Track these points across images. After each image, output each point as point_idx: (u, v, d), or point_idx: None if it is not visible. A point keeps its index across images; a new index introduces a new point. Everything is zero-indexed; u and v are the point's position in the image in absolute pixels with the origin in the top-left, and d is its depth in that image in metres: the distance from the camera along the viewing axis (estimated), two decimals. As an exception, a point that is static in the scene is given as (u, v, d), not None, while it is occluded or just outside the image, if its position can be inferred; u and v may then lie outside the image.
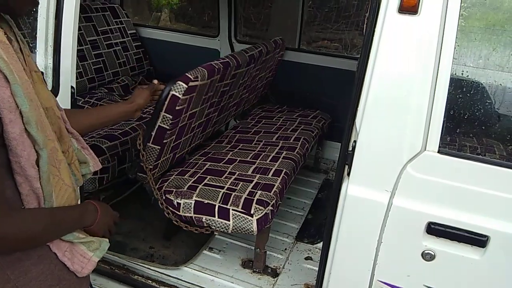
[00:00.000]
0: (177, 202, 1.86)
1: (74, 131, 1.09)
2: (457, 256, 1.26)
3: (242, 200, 1.84)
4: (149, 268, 2.00)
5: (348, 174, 1.35)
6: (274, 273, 2.03)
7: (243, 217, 1.78)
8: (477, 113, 1.21)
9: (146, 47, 3.53)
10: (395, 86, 1.23)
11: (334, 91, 3.07)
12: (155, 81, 1.70)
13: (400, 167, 1.27)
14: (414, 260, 1.31)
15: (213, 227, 1.83)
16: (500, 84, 1.17)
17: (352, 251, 1.40)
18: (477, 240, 1.22)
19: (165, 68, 3.59)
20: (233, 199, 1.84)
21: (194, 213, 1.83)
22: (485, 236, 1.21)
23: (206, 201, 1.84)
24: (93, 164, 1.12)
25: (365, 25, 1.50)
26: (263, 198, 1.86)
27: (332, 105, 3.07)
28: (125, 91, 3.20)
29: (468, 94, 1.20)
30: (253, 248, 2.13)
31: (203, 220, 1.82)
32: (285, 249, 2.23)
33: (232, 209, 1.80)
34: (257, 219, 1.77)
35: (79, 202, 1.07)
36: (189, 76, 1.81)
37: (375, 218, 1.32)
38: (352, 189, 1.34)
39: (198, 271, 2.00)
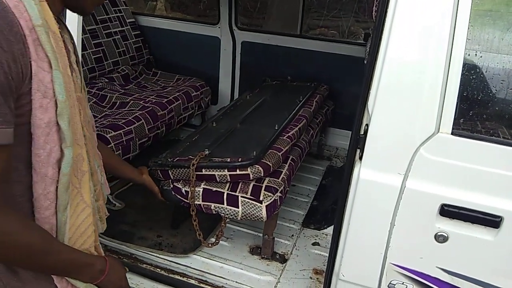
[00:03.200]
0: (185, 190, 1.85)
1: (99, 152, 1.05)
2: (470, 237, 1.26)
3: (250, 187, 1.83)
4: (157, 257, 2.00)
5: (360, 158, 1.35)
6: (283, 259, 2.04)
7: (252, 203, 1.78)
8: (490, 94, 1.20)
9: (146, 36, 3.49)
10: (408, 68, 1.21)
11: (337, 77, 3.05)
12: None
13: (413, 149, 1.27)
14: (427, 242, 1.31)
15: (222, 214, 1.82)
16: (515, 65, 1.17)
17: (364, 235, 1.40)
18: (491, 221, 1.22)
19: (165, 56, 3.56)
20: (241, 186, 1.84)
21: (202, 201, 1.83)
22: (498, 216, 1.21)
23: (214, 189, 1.83)
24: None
25: (374, 7, 1.48)
26: (271, 185, 1.86)
27: (337, 92, 3.06)
28: (125, 81, 3.17)
29: (481, 75, 1.19)
30: (260, 235, 2.14)
31: (212, 207, 1.82)
32: (292, 235, 2.23)
33: (241, 196, 1.80)
34: (266, 206, 1.77)
35: (97, 237, 0.98)
36: None
37: (388, 201, 1.32)
38: (365, 173, 1.33)
39: (207, 258, 2.00)
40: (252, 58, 3.32)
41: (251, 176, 1.81)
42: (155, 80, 3.38)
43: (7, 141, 0.70)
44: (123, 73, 3.18)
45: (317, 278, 1.94)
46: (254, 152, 1.88)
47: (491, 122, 1.24)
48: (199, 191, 1.84)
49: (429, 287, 1.38)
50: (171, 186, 1.90)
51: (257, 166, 1.82)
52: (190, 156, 1.88)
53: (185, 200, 1.87)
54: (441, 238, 1.30)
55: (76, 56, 0.92)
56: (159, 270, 1.97)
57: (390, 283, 1.43)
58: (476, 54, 1.18)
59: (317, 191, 2.66)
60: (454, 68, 1.17)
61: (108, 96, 2.77)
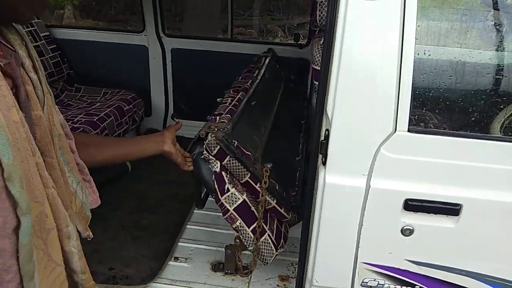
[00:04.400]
0: (227, 187, 1.60)
1: (80, 161, 0.89)
2: (433, 227, 1.32)
3: (275, 226, 1.74)
4: (113, 292, 1.84)
5: (324, 163, 1.34)
6: (247, 271, 1.99)
7: (271, 247, 1.69)
8: (440, 90, 1.26)
9: (63, 50, 3.20)
10: (364, 72, 1.23)
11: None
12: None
13: (374, 150, 1.29)
14: (395, 237, 1.35)
15: (240, 235, 1.65)
16: (460, 60, 1.23)
17: (335, 239, 1.40)
18: (451, 209, 1.28)
19: (88, 70, 3.30)
20: (270, 222, 1.72)
21: (232, 209, 1.61)
22: (458, 205, 1.28)
23: (252, 208, 1.65)
24: (90, 201, 0.93)
25: (318, 12, 1.48)
26: (286, 234, 1.80)
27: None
28: (46, 101, 2.87)
29: (431, 72, 1.25)
30: (218, 249, 2.07)
31: (237, 223, 1.62)
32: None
33: (268, 234, 1.69)
34: (276, 254, 1.72)
35: None
36: None
37: (355, 203, 1.34)
38: (330, 178, 1.33)
39: (168, 284, 1.88)
40: (184, 66, 3.21)
41: (287, 220, 1.73)
42: (80, 96, 3.12)
43: None
44: (42, 92, 2.88)
45: (284, 285, 1.92)
46: (294, 194, 1.78)
47: (443, 116, 1.30)
48: (238, 199, 1.62)
49: (399, 280, 1.43)
50: (218, 170, 1.59)
51: (295, 215, 1.74)
52: (250, 154, 1.62)
53: (219, 196, 1.60)
54: (407, 232, 1.34)
55: (32, 59, 0.74)
56: (117, 305, 1.81)
57: (362, 282, 1.45)
58: (425, 53, 1.22)
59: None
60: (406, 68, 1.21)
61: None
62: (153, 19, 3.06)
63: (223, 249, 1.99)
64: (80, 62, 3.28)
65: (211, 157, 1.57)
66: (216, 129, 1.57)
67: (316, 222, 1.40)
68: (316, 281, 1.48)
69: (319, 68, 1.49)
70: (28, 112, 0.70)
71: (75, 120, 2.53)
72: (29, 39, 2.35)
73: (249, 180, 1.63)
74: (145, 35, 3.15)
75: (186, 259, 2.04)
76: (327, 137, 1.31)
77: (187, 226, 2.26)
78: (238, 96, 1.91)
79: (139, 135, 3.22)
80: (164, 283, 1.89)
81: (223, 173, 1.59)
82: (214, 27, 5.51)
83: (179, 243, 2.13)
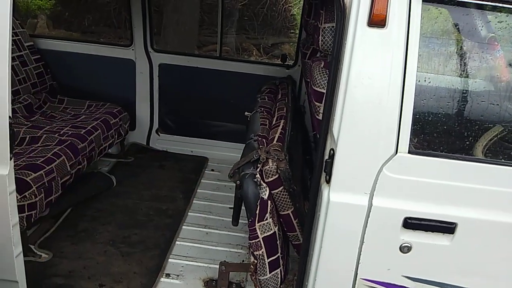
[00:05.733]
0: (266, 216, 1.63)
1: None
2: (430, 244, 1.39)
3: (285, 263, 1.79)
4: (104, 309, 1.79)
5: (328, 182, 1.39)
6: (239, 288, 2.00)
7: (277, 281, 1.74)
8: (439, 115, 1.35)
9: (47, 60, 3.14)
10: (369, 96, 1.29)
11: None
12: None
13: (377, 170, 1.35)
14: (393, 254, 1.41)
15: (257, 264, 1.70)
16: (457, 88, 1.33)
17: (337, 256, 1.44)
18: (447, 228, 1.36)
19: (72, 82, 3.24)
20: (281, 254, 1.75)
21: (262, 238, 1.65)
22: (453, 223, 1.35)
23: (277, 242, 1.70)
24: None
25: (321, 37, 1.55)
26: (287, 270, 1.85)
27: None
28: (29, 112, 2.80)
29: (431, 98, 1.33)
30: (210, 266, 2.07)
31: (260, 251, 1.67)
32: (243, 260, 2.20)
33: (280, 270, 1.73)
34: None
35: None
36: None
37: (357, 220, 1.39)
38: (334, 196, 1.38)
39: (161, 302, 1.86)
40: (172, 81, 3.21)
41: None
42: (63, 108, 3.05)
43: None
44: (25, 103, 2.81)
45: (278, 302, 1.94)
46: None
47: (441, 139, 1.38)
48: (271, 230, 1.65)
49: (396, 296, 1.48)
50: (265, 197, 1.60)
51: None
52: (295, 188, 1.68)
53: (255, 222, 1.61)
54: (405, 249, 1.40)
55: None
56: (108, 324, 1.77)
57: (361, 298, 1.49)
58: (425, 80, 1.31)
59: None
60: (408, 93, 1.29)
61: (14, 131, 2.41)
62: (142, 34, 3.07)
63: (215, 266, 2.00)
64: (64, 74, 3.22)
65: (263, 183, 1.60)
66: (276, 157, 1.60)
67: (319, 238, 1.43)
68: (316, 297, 1.50)
69: (322, 90, 1.55)
70: None
71: (61, 133, 2.48)
72: (14, 49, 2.19)
73: (291, 214, 1.68)
74: (132, 49, 3.14)
75: (177, 275, 2.02)
76: (332, 156, 1.37)
77: (177, 242, 2.25)
78: (281, 124, 1.93)
79: (123, 149, 3.18)
80: (157, 301, 1.86)
81: (269, 201, 1.62)
82: (191, 43, 5.54)
83: (170, 259, 2.11)
